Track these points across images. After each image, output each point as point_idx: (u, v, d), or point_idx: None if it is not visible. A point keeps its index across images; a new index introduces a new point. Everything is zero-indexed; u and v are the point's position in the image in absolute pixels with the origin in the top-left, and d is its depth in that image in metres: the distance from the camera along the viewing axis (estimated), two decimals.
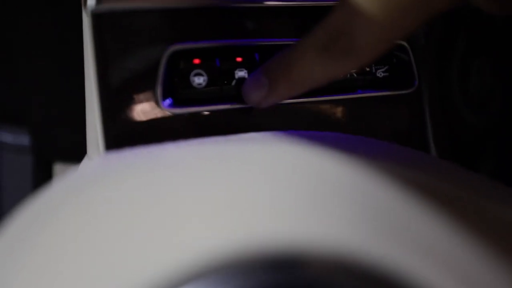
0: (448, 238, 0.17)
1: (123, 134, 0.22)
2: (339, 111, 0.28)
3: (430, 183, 0.21)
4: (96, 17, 0.20)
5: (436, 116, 0.28)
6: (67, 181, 0.18)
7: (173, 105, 0.23)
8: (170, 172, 0.17)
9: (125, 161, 0.19)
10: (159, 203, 0.15)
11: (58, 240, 0.14)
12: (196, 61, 0.24)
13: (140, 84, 0.22)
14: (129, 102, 0.22)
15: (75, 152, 0.39)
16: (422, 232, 0.17)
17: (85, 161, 0.27)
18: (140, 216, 0.14)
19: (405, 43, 0.28)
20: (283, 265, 0.14)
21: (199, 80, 0.24)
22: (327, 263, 0.14)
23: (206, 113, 0.24)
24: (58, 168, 0.40)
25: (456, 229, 0.17)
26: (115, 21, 0.21)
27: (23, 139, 0.41)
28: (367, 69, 0.28)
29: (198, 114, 0.24)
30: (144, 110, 0.22)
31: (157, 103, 0.23)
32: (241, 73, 0.25)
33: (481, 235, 0.17)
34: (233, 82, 0.25)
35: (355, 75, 0.28)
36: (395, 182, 0.18)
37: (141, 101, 0.22)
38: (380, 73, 0.28)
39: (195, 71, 0.24)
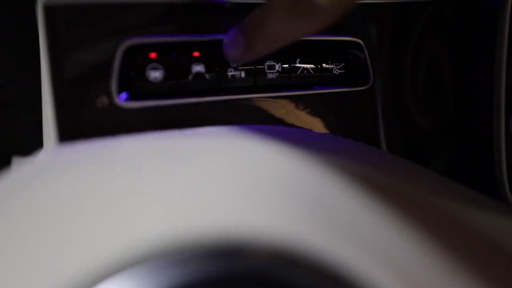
0: (389, 231, 0.18)
1: (77, 127, 0.22)
2: (296, 106, 0.28)
3: (377, 177, 0.21)
4: (48, 10, 0.20)
5: (388, 113, 0.29)
6: (17, 174, 0.18)
7: (129, 99, 0.23)
8: (116, 165, 0.17)
9: (75, 154, 0.19)
10: (102, 195, 0.16)
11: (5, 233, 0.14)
12: (153, 55, 0.24)
13: (95, 78, 0.22)
14: (84, 95, 0.22)
15: (33, 145, 0.38)
16: (364, 225, 0.17)
17: (40, 154, 0.27)
18: (80, 208, 0.15)
19: (360, 41, 0.29)
20: (225, 253, 0.14)
21: (155, 74, 0.24)
22: (269, 253, 0.15)
23: (163, 107, 0.24)
24: (16, 161, 0.39)
25: (398, 223, 0.18)
26: (69, 14, 0.21)
27: None
28: (324, 66, 0.29)
29: (154, 108, 0.24)
30: (99, 103, 0.22)
31: (112, 97, 0.23)
32: (198, 68, 0.25)
33: (422, 229, 0.18)
34: (190, 77, 0.25)
35: (311, 71, 0.28)
36: (342, 176, 0.19)
37: (96, 95, 0.22)
38: (336, 70, 0.29)
39: (151, 65, 0.24)
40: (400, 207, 0.18)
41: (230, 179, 0.17)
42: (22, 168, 0.19)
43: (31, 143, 0.36)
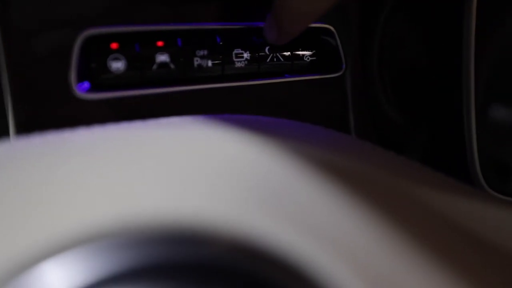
0: (351, 218, 0.17)
1: (35, 119, 0.21)
2: (265, 95, 0.28)
3: (343, 162, 0.21)
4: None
5: (358, 100, 0.29)
6: None
7: (90, 90, 0.23)
8: (69, 156, 0.17)
9: (28, 146, 0.19)
10: (53, 181, 0.15)
11: None
12: (114, 45, 0.23)
13: (53, 68, 0.22)
14: (42, 86, 0.22)
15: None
16: (325, 212, 0.17)
17: None
18: (28, 194, 0.14)
19: (332, 28, 0.29)
20: (177, 239, 0.14)
21: (117, 65, 0.23)
22: (224, 241, 0.14)
23: (126, 98, 0.24)
24: None
25: (363, 209, 0.17)
26: (24, 1, 0.21)
27: None
28: (295, 53, 0.28)
29: (117, 99, 0.24)
30: (58, 95, 0.22)
31: (71, 88, 0.22)
32: (162, 57, 0.25)
33: (389, 215, 0.18)
34: (154, 67, 0.24)
35: (281, 59, 0.28)
36: (305, 162, 0.19)
37: (54, 86, 0.22)
38: (307, 58, 0.28)
39: (113, 55, 0.23)
40: (365, 192, 0.18)
41: (186, 167, 0.17)
42: None
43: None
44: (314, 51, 0.29)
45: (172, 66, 0.25)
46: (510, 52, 0.26)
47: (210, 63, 0.26)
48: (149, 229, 0.13)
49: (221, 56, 0.26)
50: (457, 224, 0.19)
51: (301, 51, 0.28)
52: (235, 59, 0.26)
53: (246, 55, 0.27)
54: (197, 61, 0.25)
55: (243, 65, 0.27)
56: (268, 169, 0.18)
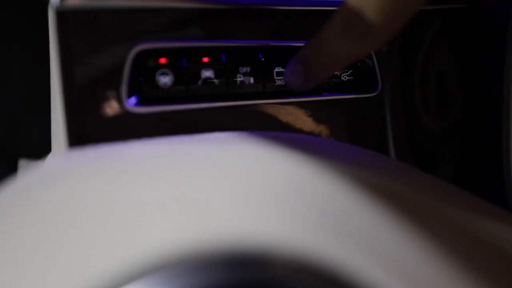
0: (403, 242, 0.17)
1: (87, 132, 0.22)
2: (304, 113, 0.28)
3: (388, 185, 0.21)
4: (60, 14, 0.20)
5: (397, 120, 0.29)
6: (25, 179, 0.18)
7: (138, 104, 0.23)
8: (126, 172, 0.17)
9: (86, 159, 0.19)
10: (115, 202, 0.16)
11: (10, 239, 0.14)
12: (163, 60, 0.24)
13: (105, 82, 0.22)
14: (94, 100, 0.22)
15: (41, 149, 0.38)
16: (378, 235, 0.17)
17: (48, 158, 0.27)
18: (91, 214, 0.15)
19: None
20: (245, 263, 0.14)
21: (165, 80, 0.24)
22: (289, 263, 0.14)
23: (172, 112, 0.24)
24: (23, 164, 0.39)
25: (409, 233, 0.18)
26: (80, 18, 0.21)
27: None
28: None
29: (163, 113, 0.24)
30: (109, 108, 0.22)
31: (122, 101, 0.23)
32: (207, 73, 0.25)
33: (434, 238, 0.18)
34: (199, 82, 0.25)
35: None
36: (353, 185, 0.19)
37: (106, 99, 0.22)
38: (344, 77, 0.29)
39: (161, 70, 0.24)
40: (412, 216, 0.18)
41: (242, 187, 0.17)
42: (30, 173, 0.19)
43: (39, 148, 0.36)
44: (350, 70, 0.29)
45: (216, 82, 0.25)
46: None
47: (252, 80, 0.26)
48: (216, 254, 0.14)
49: (262, 73, 0.26)
50: (502, 251, 0.20)
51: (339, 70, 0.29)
52: (276, 77, 0.27)
53: None
54: (240, 78, 0.26)
55: (283, 83, 0.27)
56: (323, 190, 0.18)
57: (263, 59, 0.27)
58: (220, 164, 0.19)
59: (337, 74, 0.29)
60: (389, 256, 0.16)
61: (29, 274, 0.13)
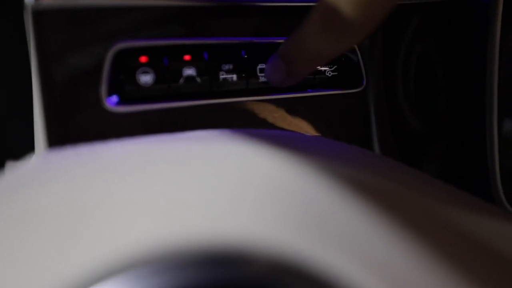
0: (385, 238, 0.17)
1: (67, 132, 0.22)
2: (289, 109, 0.28)
3: (371, 181, 0.21)
4: (37, 14, 0.20)
5: (381, 116, 0.29)
6: (3, 180, 0.18)
7: (119, 103, 0.23)
8: (107, 171, 0.17)
9: (65, 159, 0.19)
10: (93, 201, 0.15)
11: None
12: (143, 59, 0.24)
13: (85, 82, 0.22)
14: (73, 99, 0.22)
15: (25, 150, 0.38)
16: (361, 233, 0.17)
17: (31, 159, 0.27)
18: (71, 213, 0.14)
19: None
20: (220, 261, 0.14)
21: (146, 78, 0.24)
22: (267, 262, 0.14)
23: (153, 111, 0.24)
24: (9, 166, 0.39)
25: (394, 231, 0.18)
26: (57, 18, 0.21)
27: None
28: (317, 68, 0.28)
29: (145, 112, 0.24)
30: (88, 107, 0.22)
31: (101, 101, 0.22)
32: (189, 71, 0.25)
33: (419, 235, 0.18)
34: (181, 80, 0.25)
35: None
36: (336, 181, 0.19)
37: (85, 99, 0.22)
38: (329, 73, 0.29)
39: (142, 69, 0.24)
40: (396, 211, 0.18)
41: (222, 185, 0.17)
42: (11, 174, 0.18)
43: (23, 148, 0.36)
44: (335, 66, 0.29)
45: (198, 79, 0.25)
46: None
47: (235, 77, 0.26)
48: (192, 252, 0.14)
49: (245, 71, 0.26)
50: (491, 246, 0.19)
51: (323, 66, 0.29)
52: (259, 74, 0.27)
53: None
54: (222, 75, 0.26)
55: (266, 79, 0.27)
56: (304, 188, 0.18)
57: (245, 56, 0.26)
58: (199, 163, 0.18)
59: (321, 70, 0.29)
60: (371, 255, 0.16)
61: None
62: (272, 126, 0.27)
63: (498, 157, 0.25)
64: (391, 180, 0.21)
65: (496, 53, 0.25)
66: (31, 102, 0.26)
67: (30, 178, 0.18)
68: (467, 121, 0.28)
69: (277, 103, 0.27)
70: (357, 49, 0.29)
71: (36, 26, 0.20)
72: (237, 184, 0.17)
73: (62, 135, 0.22)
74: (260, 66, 0.27)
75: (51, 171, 0.18)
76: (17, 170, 0.21)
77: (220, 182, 0.17)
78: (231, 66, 0.26)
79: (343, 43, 0.22)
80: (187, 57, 0.25)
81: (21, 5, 0.21)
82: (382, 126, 0.29)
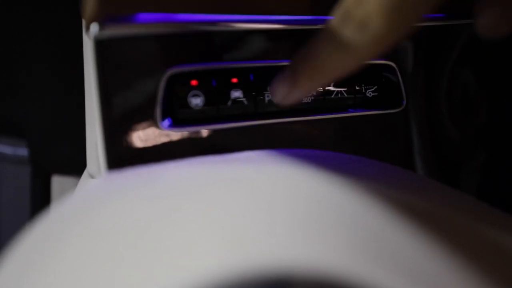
0: (435, 261, 0.18)
1: (124, 155, 0.23)
2: (331, 130, 0.29)
3: (418, 204, 0.22)
4: (99, 43, 0.21)
5: (423, 135, 0.30)
6: (72, 203, 0.19)
7: (172, 125, 0.24)
8: (166, 194, 0.18)
9: (127, 183, 0.20)
10: (154, 225, 0.16)
11: (63, 267, 0.15)
12: (193, 82, 0.25)
13: (141, 106, 0.23)
14: (131, 123, 0.23)
15: (72, 165, 0.40)
16: (409, 255, 0.18)
17: (84, 176, 0.28)
18: (135, 237, 0.15)
19: (393, 64, 0.30)
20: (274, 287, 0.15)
21: (196, 101, 0.25)
22: (315, 285, 0.15)
23: (204, 132, 0.25)
24: (55, 179, 0.41)
25: (442, 251, 0.18)
26: (116, 46, 0.22)
27: (22, 151, 0.42)
28: (357, 88, 0.29)
29: (196, 133, 0.25)
30: (145, 131, 0.23)
31: (157, 124, 0.24)
32: (236, 94, 0.26)
33: (467, 257, 0.19)
34: (229, 102, 0.26)
35: (345, 94, 0.29)
36: (384, 204, 0.19)
37: (142, 122, 0.23)
38: (369, 93, 0.29)
39: (192, 92, 0.25)
40: (443, 234, 0.18)
41: (274, 208, 0.18)
42: (76, 196, 0.20)
43: (72, 164, 0.37)
44: (375, 86, 0.30)
45: (245, 101, 0.26)
46: None
47: None
48: (256, 278, 0.14)
49: None
50: None
51: (363, 86, 0.29)
52: None
53: None
54: (268, 97, 0.27)
55: (309, 100, 0.28)
56: (354, 210, 0.19)
57: None
58: (249, 186, 0.19)
59: (362, 90, 0.29)
60: (420, 276, 0.16)
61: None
62: (316, 146, 0.28)
63: None
64: (437, 203, 0.22)
65: None
66: (81, 119, 0.27)
67: (96, 201, 0.19)
68: (507, 140, 0.29)
69: (320, 123, 0.28)
70: (396, 68, 0.30)
71: (97, 55, 0.22)
72: (291, 208, 0.18)
73: (120, 157, 0.23)
74: None
75: (115, 193, 0.19)
76: (81, 192, 0.22)
77: (275, 207, 0.18)
78: None
79: (358, 57, 0.21)
80: (234, 80, 0.26)
81: (80, 26, 0.22)
82: (424, 145, 0.29)
